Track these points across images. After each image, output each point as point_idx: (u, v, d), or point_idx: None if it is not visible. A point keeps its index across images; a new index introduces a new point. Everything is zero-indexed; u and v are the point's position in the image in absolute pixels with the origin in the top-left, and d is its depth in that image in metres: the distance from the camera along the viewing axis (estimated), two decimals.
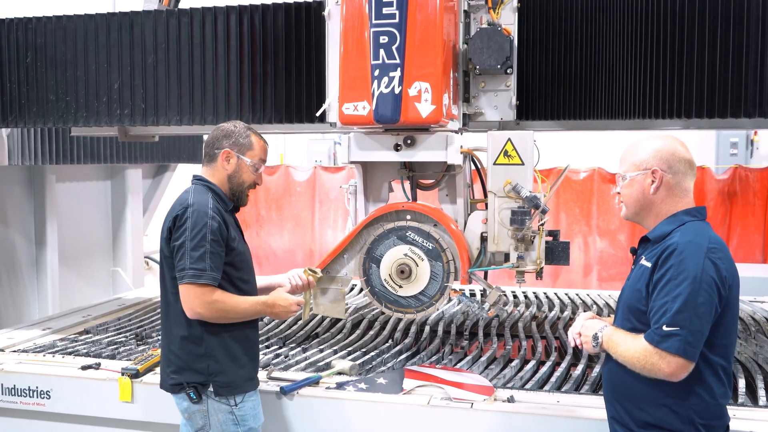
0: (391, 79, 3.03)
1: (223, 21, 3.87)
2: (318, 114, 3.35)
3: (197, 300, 2.74)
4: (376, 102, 3.06)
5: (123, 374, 3.46)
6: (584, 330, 2.49)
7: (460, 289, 3.40)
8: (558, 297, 5.46)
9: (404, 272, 3.35)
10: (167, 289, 2.89)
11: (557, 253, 3.40)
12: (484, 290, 3.53)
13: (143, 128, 4.80)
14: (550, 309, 5.07)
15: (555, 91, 3.57)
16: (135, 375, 3.45)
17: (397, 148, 3.24)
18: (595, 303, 5.20)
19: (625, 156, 2.49)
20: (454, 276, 3.37)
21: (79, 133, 4.97)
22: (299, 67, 3.81)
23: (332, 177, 7.93)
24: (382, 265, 3.40)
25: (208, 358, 2.83)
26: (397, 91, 3.03)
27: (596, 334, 2.41)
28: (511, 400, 3.13)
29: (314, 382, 3.35)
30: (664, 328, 2.17)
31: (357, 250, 3.48)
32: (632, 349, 2.26)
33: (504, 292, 3.44)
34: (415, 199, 3.50)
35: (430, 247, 3.35)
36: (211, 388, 2.82)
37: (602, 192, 7.21)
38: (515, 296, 5.48)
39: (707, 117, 3.39)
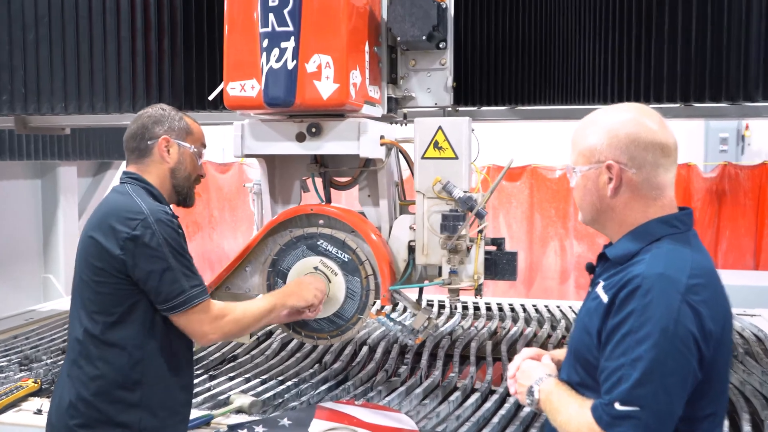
0: (283, 51, 2.42)
1: None
2: (211, 98, 2.74)
3: (206, 322, 2.21)
4: (265, 80, 2.45)
5: None
6: (520, 376, 1.87)
7: (383, 310, 2.79)
8: (525, 309, 4.87)
9: None
10: (88, 318, 2.21)
11: (501, 266, 2.80)
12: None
13: (45, 118, 4.21)
14: (514, 323, 4.49)
15: (500, 71, 2.99)
16: None
17: (300, 138, 2.63)
18: (565, 316, 4.61)
19: (573, 139, 1.77)
20: (374, 294, 2.77)
21: None
22: (200, 45, 3.23)
23: None
24: (289, 280, 2.81)
25: (143, 409, 2.20)
26: (290, 66, 2.43)
27: (532, 387, 1.79)
28: None
29: (204, 424, 2.75)
30: (617, 406, 1.50)
31: (261, 261, 2.88)
32: (574, 423, 1.61)
33: (432, 315, 2.85)
34: (329, 200, 2.90)
35: (346, 259, 2.76)
36: None
37: None
38: (476, 308, 4.89)
39: (681, 101, 2.81)
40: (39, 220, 6.34)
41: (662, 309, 1.52)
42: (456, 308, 4.82)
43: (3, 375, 3.39)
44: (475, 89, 3.05)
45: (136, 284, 2.17)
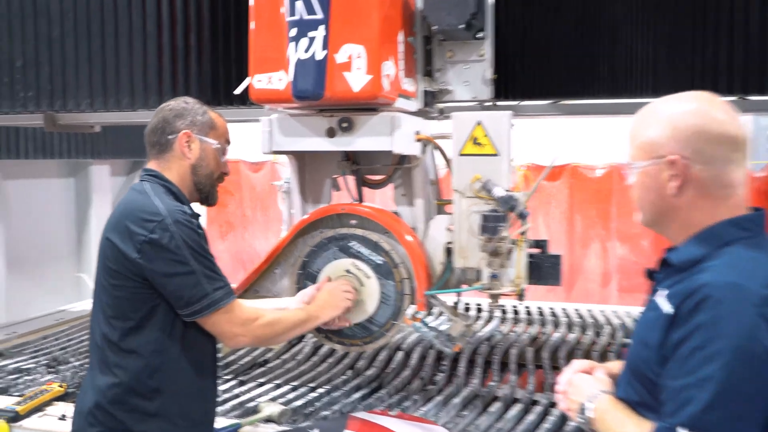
0: (312, 40, 2.28)
1: None
2: (237, 92, 2.61)
3: (236, 323, 2.10)
4: (294, 71, 2.32)
5: (0, 416, 2.78)
6: (571, 392, 1.71)
7: (418, 315, 2.63)
8: (567, 313, 4.66)
9: None
10: (106, 323, 2.11)
11: (545, 270, 2.63)
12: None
13: (74, 115, 4.14)
14: (556, 328, 4.29)
15: (542, 63, 2.81)
16: (13, 418, 2.77)
17: (330, 133, 2.49)
18: (609, 322, 4.40)
19: (631, 131, 1.60)
20: (410, 299, 2.62)
21: (3, 123, 4.31)
22: (227, 39, 3.11)
23: None
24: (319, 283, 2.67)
25: (162, 419, 2.09)
26: (319, 56, 2.28)
27: (584, 405, 1.62)
28: None
29: None
30: (681, 431, 1.33)
31: (291, 263, 2.75)
32: None
33: (471, 322, 2.68)
34: (361, 199, 2.76)
35: (380, 262, 2.61)
36: None
37: (623, 191, 6.36)
38: (515, 312, 4.70)
39: (740, 94, 2.60)
40: (72, 219, 6.31)
41: (735, 324, 1.33)
42: (493, 312, 4.64)
43: (30, 377, 3.32)
44: (515, 82, 2.88)
45: (154, 288, 2.05)
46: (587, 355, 3.67)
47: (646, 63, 2.68)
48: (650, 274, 1.65)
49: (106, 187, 6.47)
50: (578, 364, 1.79)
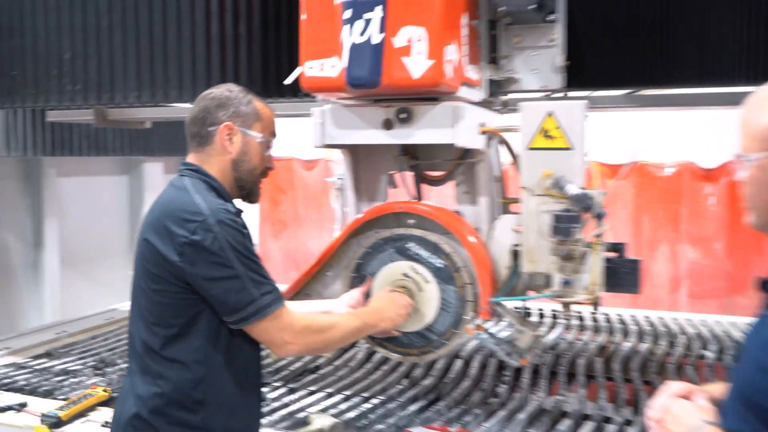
0: (368, 23, 2.08)
1: None
2: (288, 81, 2.43)
3: (286, 330, 1.94)
4: (348, 57, 2.12)
5: (42, 422, 2.67)
6: (669, 421, 1.47)
7: (482, 324, 2.41)
8: (636, 321, 4.37)
9: None
10: (147, 330, 1.96)
11: (622, 275, 2.38)
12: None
13: (124, 110, 4.06)
14: (625, 337, 4.00)
15: (620, 48, 2.55)
16: (55, 424, 2.66)
17: (387, 125, 2.29)
18: (684, 332, 4.09)
19: (743, 119, 1.38)
20: (472, 306, 2.40)
21: (55, 119, 4.26)
22: (278, 28, 2.95)
23: None
24: (374, 288, 2.48)
25: None
26: (376, 40, 2.09)
27: None
28: None
29: None
30: None
31: (344, 265, 2.56)
32: None
33: (540, 333, 2.45)
34: (420, 197, 2.55)
35: (440, 265, 2.41)
36: None
37: (693, 191, 5.99)
38: (581, 318, 4.42)
39: None
40: (125, 216, 6.31)
41: None
42: (557, 318, 4.38)
43: (76, 380, 3.22)
44: (589, 70, 2.63)
45: (197, 293, 1.89)
46: (662, 368, 3.39)
47: (740, 46, 2.41)
48: (765, 285, 1.40)
49: (159, 185, 6.45)
50: (674, 387, 1.55)
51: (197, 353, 1.93)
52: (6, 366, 3.45)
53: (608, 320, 4.38)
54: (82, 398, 2.82)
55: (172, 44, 3.11)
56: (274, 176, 7.25)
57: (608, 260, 2.35)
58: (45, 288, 5.30)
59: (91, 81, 3.24)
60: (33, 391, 3.04)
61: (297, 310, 2.11)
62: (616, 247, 2.41)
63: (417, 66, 2.08)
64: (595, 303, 2.33)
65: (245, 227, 1.96)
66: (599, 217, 2.20)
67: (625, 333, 4.10)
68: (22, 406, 2.85)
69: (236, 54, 3.01)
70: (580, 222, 2.22)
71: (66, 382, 3.16)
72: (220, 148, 2.03)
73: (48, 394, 3.01)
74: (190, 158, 2.08)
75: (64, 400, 2.89)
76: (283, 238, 7.40)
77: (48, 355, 3.69)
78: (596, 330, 4.18)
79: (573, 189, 2.22)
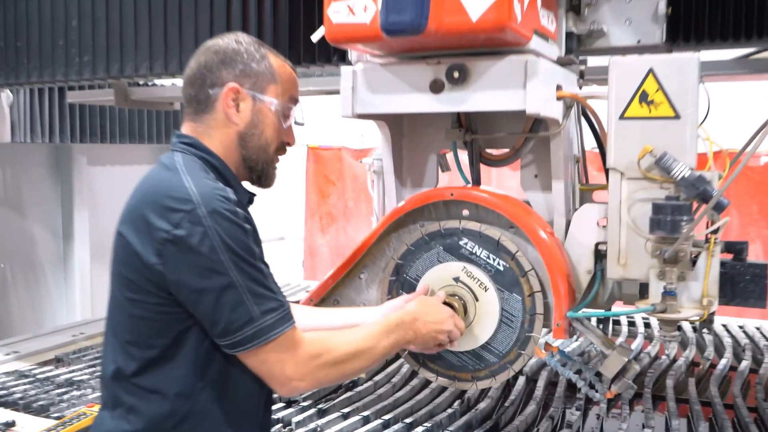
0: None
1: None
2: (314, 38, 1.94)
3: (289, 363, 1.46)
4: None
5: None
6: None
7: (555, 344, 1.88)
8: (729, 331, 3.75)
9: (455, 309, 1.89)
10: (121, 350, 1.53)
11: (743, 284, 1.82)
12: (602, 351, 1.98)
13: (149, 90, 3.67)
14: (718, 354, 3.39)
15: None
16: None
17: (436, 88, 1.77)
18: None
19: None
20: (542, 320, 1.87)
21: (74, 100, 3.90)
22: None
23: None
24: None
25: None
26: None
27: None
28: None
29: None
30: None
31: (381, 266, 2.07)
32: None
33: (635, 358, 1.91)
34: (478, 182, 2.03)
35: (502, 268, 1.88)
36: None
37: None
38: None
39: None
40: None
41: None
42: (636, 326, 3.80)
43: (78, 393, 2.82)
44: (699, 21, 2.06)
45: (183, 306, 1.43)
46: None
47: None
48: None
49: None
50: None
51: (181, 383, 1.48)
52: (7, 374, 3.08)
53: (695, 329, 3.77)
54: (74, 419, 2.41)
55: (188, 6, 2.68)
56: (322, 167, 6.88)
57: (723, 264, 1.80)
58: (74, 283, 5.01)
59: (99, 50, 2.87)
60: (27, 407, 2.65)
61: (320, 322, 1.63)
62: (735, 247, 1.85)
63: (476, 5, 1.55)
64: (708, 320, 1.78)
65: (249, 221, 1.49)
66: (720, 207, 1.65)
67: (718, 348, 3.50)
68: (7, 426, 2.47)
69: (260, 14, 2.56)
70: (690, 214, 1.67)
71: (66, 396, 2.77)
72: (223, 117, 1.57)
73: (42, 411, 2.62)
74: (185, 128, 1.62)
75: (57, 419, 2.49)
76: (330, 233, 6.99)
77: (58, 360, 3.32)
78: (683, 343, 3.59)
79: (683, 170, 1.67)
